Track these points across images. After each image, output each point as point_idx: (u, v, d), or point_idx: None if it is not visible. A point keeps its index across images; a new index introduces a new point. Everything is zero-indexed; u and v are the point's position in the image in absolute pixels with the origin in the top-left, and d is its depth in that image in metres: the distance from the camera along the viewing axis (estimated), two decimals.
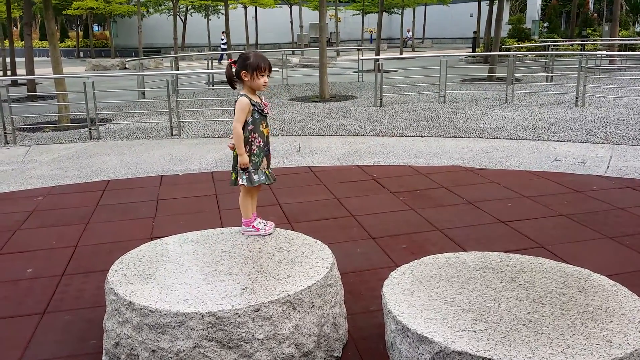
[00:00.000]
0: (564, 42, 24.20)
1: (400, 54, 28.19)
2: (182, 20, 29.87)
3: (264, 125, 3.02)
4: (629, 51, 22.02)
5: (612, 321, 2.20)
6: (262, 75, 2.94)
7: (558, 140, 7.65)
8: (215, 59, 23.24)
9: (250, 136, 2.97)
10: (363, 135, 8.38)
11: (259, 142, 3.00)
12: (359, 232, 4.36)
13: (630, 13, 31.02)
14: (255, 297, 2.41)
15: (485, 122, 9.10)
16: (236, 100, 2.96)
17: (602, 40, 24.32)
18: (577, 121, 9.01)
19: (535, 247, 3.98)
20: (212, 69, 17.02)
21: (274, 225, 3.20)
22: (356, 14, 39.33)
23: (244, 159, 2.96)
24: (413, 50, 35.46)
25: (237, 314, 2.33)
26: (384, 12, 25.73)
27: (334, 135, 8.50)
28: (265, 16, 35.42)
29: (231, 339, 2.34)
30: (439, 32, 44.39)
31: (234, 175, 3.08)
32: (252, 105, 2.94)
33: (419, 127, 8.83)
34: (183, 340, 2.33)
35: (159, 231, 4.43)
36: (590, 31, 30.76)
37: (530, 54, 21.32)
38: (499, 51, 17.04)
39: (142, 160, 7.16)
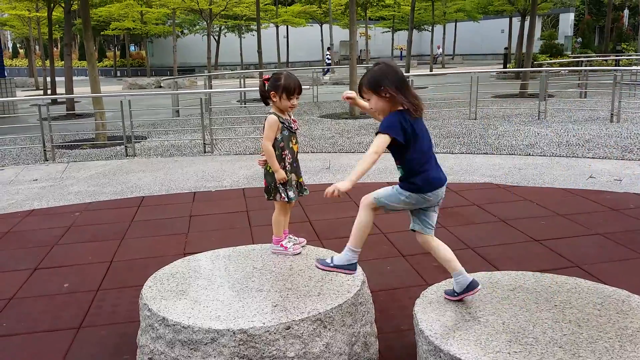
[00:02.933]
0: (598, 58, 23.78)
1: (431, 70, 28.13)
2: (215, 39, 30.49)
3: (294, 141, 3.05)
4: None
5: None
6: (291, 98, 2.96)
7: (593, 157, 7.49)
8: (247, 77, 23.58)
9: (282, 153, 2.99)
10: None
11: (289, 158, 3.03)
12: (390, 250, 4.34)
13: None
14: (286, 315, 2.42)
15: (518, 139, 8.98)
16: (265, 118, 3.00)
17: (637, 55, 23.80)
18: (612, 137, 8.81)
19: (571, 266, 3.89)
20: (245, 87, 17.28)
21: (304, 242, 3.22)
22: (386, 32, 39.51)
23: (280, 174, 2.97)
24: (443, 67, 35.33)
25: (268, 331, 2.34)
26: (414, 29, 25.77)
27: (363, 152, 8.48)
28: (296, 35, 35.86)
29: (262, 356, 2.35)
30: (470, 48, 44.14)
31: (269, 194, 3.10)
32: (281, 122, 2.98)
33: (450, 144, 8.77)
34: (215, 357, 2.35)
35: (192, 247, 4.50)
36: (625, 46, 30.16)
37: (563, 69, 21.02)
38: (531, 67, 16.84)
39: (175, 177, 7.29)
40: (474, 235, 4.59)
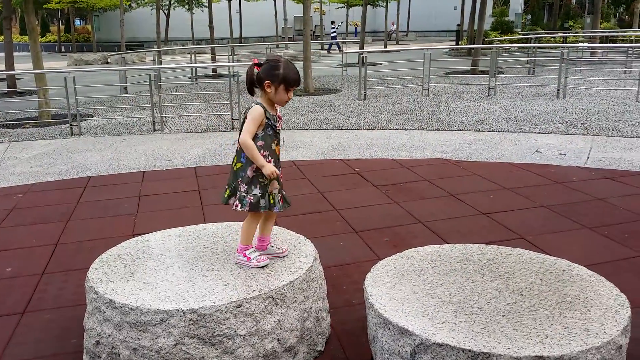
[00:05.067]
0: (546, 35, 24.39)
1: (385, 47, 28.22)
2: (165, 13, 29.56)
3: (276, 142, 2.60)
4: (610, 43, 22.26)
5: (589, 311, 2.24)
6: (290, 91, 2.53)
7: (539, 132, 7.72)
8: (198, 53, 23.01)
9: (260, 154, 2.53)
10: (347, 129, 8.39)
11: (269, 161, 2.55)
12: (343, 226, 4.37)
13: (611, 5, 31.35)
14: (237, 293, 2.40)
15: (468, 115, 9.15)
16: (248, 108, 2.54)
17: (583, 32, 24.54)
18: (558, 113, 9.09)
19: (516, 238, 4.03)
20: (196, 62, 16.89)
21: (286, 252, 2.76)
22: (341, 7, 39.25)
23: (269, 168, 2.50)
24: (397, 44, 35.50)
25: (218, 310, 2.32)
26: (368, 5, 25.68)
27: (317, 129, 8.50)
28: (249, 9, 35.18)
29: (213, 335, 2.33)
30: (423, 25, 44.47)
31: (227, 192, 2.64)
32: (267, 118, 2.53)
33: (403, 120, 8.86)
34: (164, 337, 2.32)
35: (141, 228, 4.40)
36: (572, 23, 31.03)
37: (512, 46, 21.47)
38: (482, 44, 17.12)
39: (124, 156, 7.09)
40: (425, 210, 4.67)
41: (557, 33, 25.58)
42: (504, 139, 7.34)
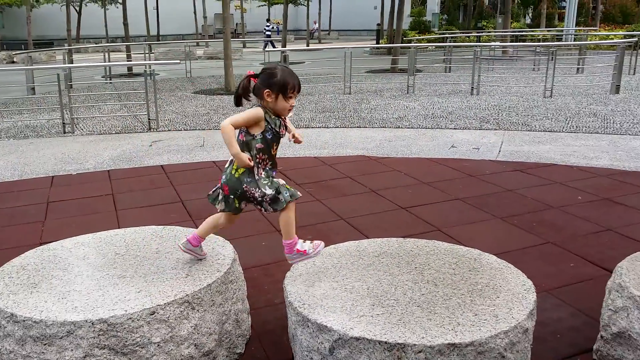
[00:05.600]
0: (461, 34, 25.44)
1: (307, 45, 28.36)
2: (76, 10, 28.15)
3: (275, 148, 2.49)
4: (519, 42, 23.55)
5: (498, 297, 2.33)
6: (290, 97, 2.43)
7: (455, 128, 8.03)
8: (112, 51, 22.11)
9: (257, 157, 2.42)
10: None
11: (266, 164, 2.46)
12: (265, 226, 4.33)
13: (520, 6, 33.19)
14: (150, 300, 2.31)
15: (388, 112, 9.37)
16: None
17: (495, 31, 25.82)
18: (472, 109, 9.50)
19: (433, 230, 4.15)
20: (110, 61, 16.20)
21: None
22: (262, 5, 39.04)
23: (241, 158, 2.36)
24: (320, 42, 35.80)
25: (130, 318, 2.22)
26: (289, 4, 25.70)
27: None
28: (167, 6, 34.20)
29: (125, 345, 2.23)
30: (345, 24, 45.12)
31: (236, 202, 2.47)
32: (267, 121, 2.42)
33: (325, 118, 8.93)
34: (72, 350, 2.19)
35: (49, 236, 4.14)
36: (485, 23, 32.58)
37: (430, 45, 22.23)
38: (401, 43, 17.59)
39: (31, 160, 6.66)
40: (346, 207, 4.72)
41: (471, 32, 26.76)
42: (422, 135, 7.57)
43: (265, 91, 2.41)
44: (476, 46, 12.64)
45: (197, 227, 2.71)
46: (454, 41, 22.15)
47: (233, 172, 2.47)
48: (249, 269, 3.48)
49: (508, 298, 2.32)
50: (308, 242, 2.56)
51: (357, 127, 8.25)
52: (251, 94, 2.48)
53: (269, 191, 2.42)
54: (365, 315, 2.21)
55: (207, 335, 2.43)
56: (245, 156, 2.38)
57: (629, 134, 7.37)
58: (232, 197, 2.48)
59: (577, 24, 27.58)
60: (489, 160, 6.23)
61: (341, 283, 2.49)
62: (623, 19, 30.18)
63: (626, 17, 30.67)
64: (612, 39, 19.75)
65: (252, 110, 2.41)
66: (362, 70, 15.97)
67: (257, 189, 2.43)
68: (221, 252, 2.78)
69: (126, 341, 2.22)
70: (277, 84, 2.40)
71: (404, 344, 2.02)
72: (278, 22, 41.16)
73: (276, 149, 2.51)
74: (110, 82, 14.84)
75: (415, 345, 2.02)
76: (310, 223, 4.36)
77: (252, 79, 2.46)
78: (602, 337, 2.52)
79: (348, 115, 9.21)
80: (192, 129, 8.33)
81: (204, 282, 2.46)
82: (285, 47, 18.56)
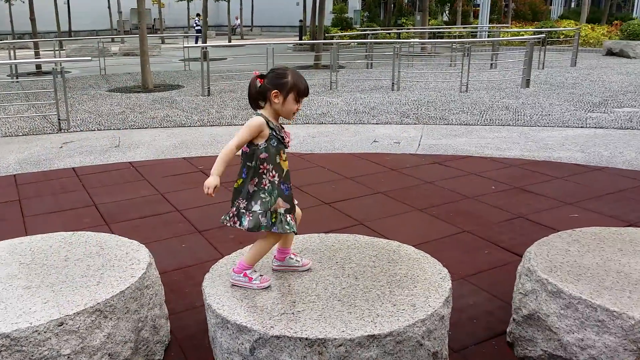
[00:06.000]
0: (382, 31, 26.00)
1: (229, 41, 27.96)
2: None
3: (283, 157, 2.42)
4: (437, 39, 24.38)
5: (416, 287, 2.39)
6: (299, 101, 2.38)
7: (377, 123, 8.18)
8: (19, 48, 20.78)
9: (261, 167, 2.35)
10: (190, 126, 8.14)
11: (272, 176, 2.37)
12: (185, 227, 4.21)
13: (438, 4, 34.34)
14: (58, 311, 2.17)
15: (312, 109, 9.40)
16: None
17: (414, 29, 26.58)
18: (393, 104, 9.72)
19: (356, 224, 4.20)
20: (16, 58, 15.19)
21: (308, 265, 2.57)
22: (181, 0, 38.04)
23: (208, 180, 2.31)
24: (242, 38, 35.39)
25: (36, 331, 2.08)
26: None
27: (158, 127, 8.12)
28: (79, 0, 32.57)
29: (31, 359, 2.08)
30: (268, 20, 44.86)
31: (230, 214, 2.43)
32: (270, 128, 2.34)
33: (248, 116, 8.82)
34: None
35: None
36: (404, 20, 33.45)
37: (352, 42, 22.56)
38: (324, 39, 17.72)
39: None
40: None
41: (391, 29, 27.40)
42: (345, 131, 7.66)
43: (274, 92, 2.33)
44: (396, 43, 12.95)
45: (111, 231, 2.61)
46: (375, 38, 22.59)
47: (234, 185, 2.43)
48: (168, 273, 3.37)
49: (425, 287, 2.38)
50: (258, 274, 2.45)
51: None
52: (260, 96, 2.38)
53: (257, 207, 2.35)
54: (286, 313, 2.19)
55: (122, 343, 2.32)
56: (212, 181, 2.32)
57: (538, 126, 7.81)
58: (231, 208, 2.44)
59: (491, 21, 28.94)
60: (409, 153, 6.39)
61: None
62: (533, 16, 31.94)
63: (535, 14, 32.49)
64: (522, 35, 20.88)
65: (253, 122, 2.32)
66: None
67: (244, 201, 2.38)
68: (136, 256, 2.66)
69: (32, 355, 2.08)
70: (286, 86, 2.32)
71: (324, 339, 2.02)
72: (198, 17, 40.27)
73: (284, 158, 2.43)
74: (17, 81, 13.92)
75: (335, 339, 2.02)
76: None
77: (258, 79, 2.37)
78: (514, 319, 2.64)
79: None
80: (107, 129, 7.96)
81: (117, 289, 2.35)
82: (205, 43, 18.18)
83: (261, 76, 2.38)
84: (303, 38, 26.72)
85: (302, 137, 7.24)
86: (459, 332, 2.77)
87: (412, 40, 20.61)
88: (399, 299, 2.29)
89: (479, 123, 8.08)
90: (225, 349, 2.20)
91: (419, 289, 2.37)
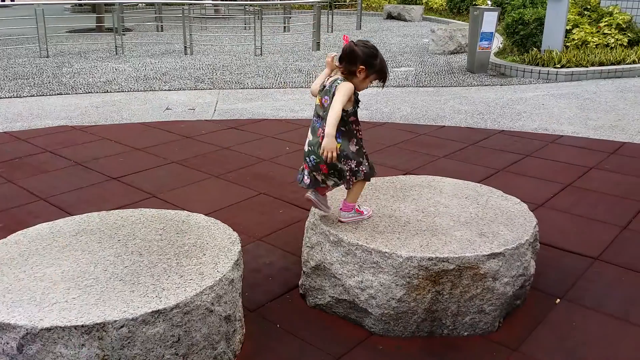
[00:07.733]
0: None
1: None
2: None
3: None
4: (230, 0, 24.07)
5: (204, 255, 2.33)
6: (372, 83, 2.52)
7: (169, 90, 7.83)
8: None
9: (354, 128, 2.51)
10: None
11: (360, 136, 2.55)
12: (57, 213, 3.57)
13: None
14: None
15: (95, 76, 8.63)
16: (336, 85, 2.42)
17: None
18: (186, 69, 9.39)
19: (148, 198, 3.99)
20: None
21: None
22: None
23: (332, 142, 2.36)
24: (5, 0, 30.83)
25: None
26: None
27: None
28: None
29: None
30: None
31: (332, 180, 2.56)
32: (355, 94, 2.49)
33: (17, 87, 7.76)
34: None
35: None
36: None
37: (140, 3, 21.13)
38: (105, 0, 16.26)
39: None
40: (47, 185, 4.20)
41: None
42: (134, 99, 7.18)
43: (361, 67, 2.42)
44: (184, 4, 12.45)
45: None
46: None
47: (313, 141, 2.51)
48: None
49: (214, 254, 2.34)
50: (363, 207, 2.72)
51: (58, 94, 7.38)
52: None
53: (365, 161, 2.54)
54: (59, 302, 1.97)
55: None
56: (333, 146, 2.39)
57: None
58: (321, 176, 2.54)
59: None
60: (204, 120, 6.25)
61: (29, 272, 2.18)
62: None
63: None
64: None
65: (348, 87, 2.42)
66: (63, 30, 14.34)
67: (353, 161, 2.50)
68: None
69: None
70: (375, 67, 2.44)
71: (103, 323, 1.87)
72: None
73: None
74: None
75: (116, 321, 1.88)
76: (1, 209, 3.74)
77: (351, 43, 2.45)
78: (304, 272, 2.76)
79: (46, 81, 8.17)
80: None
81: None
82: None
83: (353, 42, 2.47)
84: None
85: (84, 108, 6.60)
86: (256, 291, 2.81)
87: (203, 1, 20.06)
88: (187, 269, 2.22)
89: (273, 86, 8.22)
90: None
91: (208, 256, 2.32)
